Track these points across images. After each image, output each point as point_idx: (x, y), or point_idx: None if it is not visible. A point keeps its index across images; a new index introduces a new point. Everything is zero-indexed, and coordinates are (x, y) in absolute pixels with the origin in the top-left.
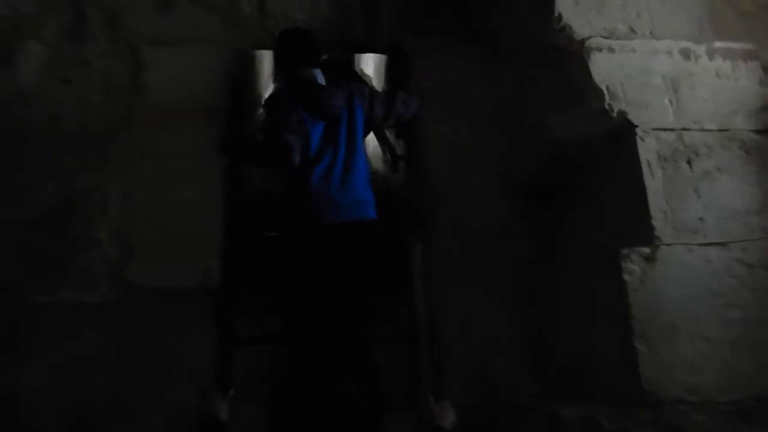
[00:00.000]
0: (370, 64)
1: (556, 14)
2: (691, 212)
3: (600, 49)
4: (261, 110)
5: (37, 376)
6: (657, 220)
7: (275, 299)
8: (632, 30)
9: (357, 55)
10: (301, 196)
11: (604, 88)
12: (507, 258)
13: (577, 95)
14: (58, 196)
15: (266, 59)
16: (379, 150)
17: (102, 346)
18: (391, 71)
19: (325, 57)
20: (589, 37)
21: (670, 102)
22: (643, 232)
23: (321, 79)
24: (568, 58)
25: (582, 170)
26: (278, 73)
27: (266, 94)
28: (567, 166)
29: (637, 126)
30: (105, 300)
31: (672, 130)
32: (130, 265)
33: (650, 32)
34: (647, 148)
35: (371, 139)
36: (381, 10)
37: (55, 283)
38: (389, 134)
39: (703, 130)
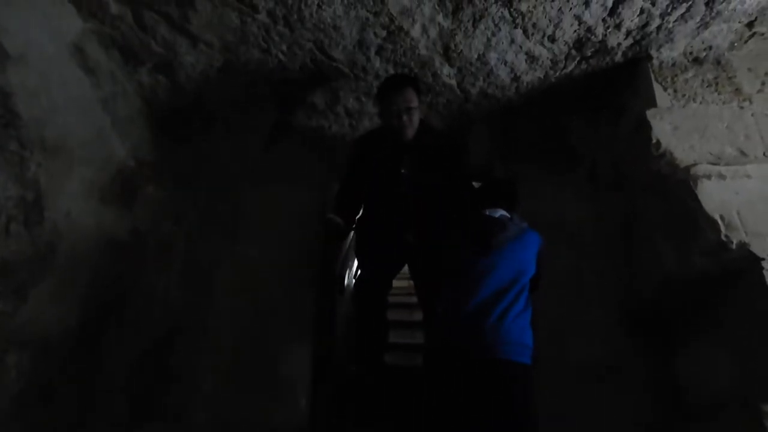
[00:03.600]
0: None
1: (654, 140)
2: None
3: (708, 176)
4: None
5: None
6: None
7: None
8: (742, 153)
9: None
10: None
11: (717, 217)
12: (619, 396)
13: (688, 225)
14: (165, 329)
15: None
16: None
17: None
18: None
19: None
20: (695, 164)
21: None
22: None
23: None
24: (674, 186)
25: (702, 306)
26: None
27: None
28: (684, 301)
29: (763, 259)
30: None
31: None
32: (224, 400)
33: (764, 154)
34: None
35: None
36: (471, 142)
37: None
38: None
39: None
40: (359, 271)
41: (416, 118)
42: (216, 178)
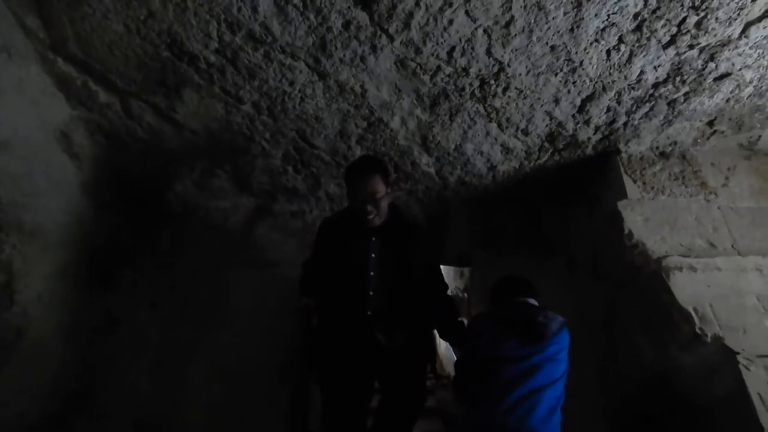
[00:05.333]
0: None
1: (627, 231)
2: None
3: (680, 268)
4: None
5: None
6: None
7: None
8: (712, 245)
9: None
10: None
11: (691, 310)
12: None
13: (663, 317)
14: (132, 424)
15: None
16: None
17: None
18: None
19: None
20: (666, 255)
21: None
22: None
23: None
24: (648, 277)
25: (683, 402)
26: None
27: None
28: (666, 397)
29: (738, 353)
30: None
31: None
32: None
33: (732, 246)
34: (755, 379)
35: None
36: (450, 227)
37: None
38: None
39: None
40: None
41: (384, 205)
42: (196, 261)
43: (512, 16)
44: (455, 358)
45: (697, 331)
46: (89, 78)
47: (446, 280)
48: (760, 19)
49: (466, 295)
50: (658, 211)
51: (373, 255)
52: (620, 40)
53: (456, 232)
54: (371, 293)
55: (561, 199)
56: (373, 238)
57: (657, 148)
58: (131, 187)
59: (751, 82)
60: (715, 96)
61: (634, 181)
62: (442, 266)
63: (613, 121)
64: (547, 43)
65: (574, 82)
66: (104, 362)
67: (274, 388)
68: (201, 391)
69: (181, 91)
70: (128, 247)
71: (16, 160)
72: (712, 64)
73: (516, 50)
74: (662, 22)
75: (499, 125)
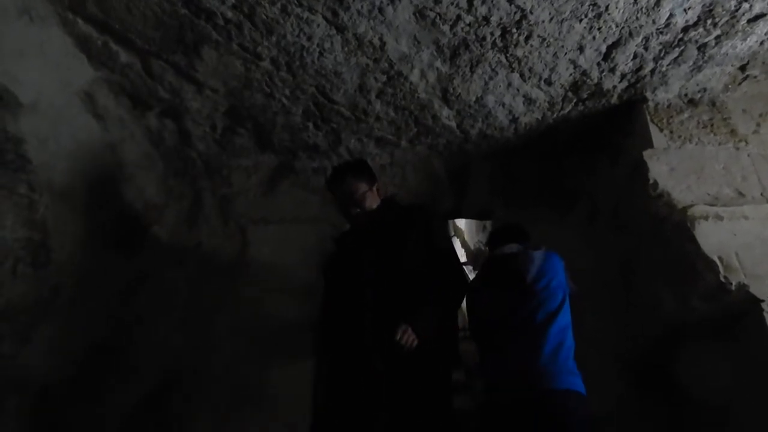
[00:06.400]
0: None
1: (652, 181)
2: None
3: (706, 217)
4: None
5: None
6: None
7: None
8: (740, 194)
9: None
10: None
11: (716, 259)
12: None
13: (686, 268)
14: (164, 375)
15: None
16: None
17: None
18: None
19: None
20: (692, 205)
21: None
22: None
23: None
24: (672, 227)
25: (704, 351)
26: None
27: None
28: (686, 347)
29: (762, 300)
30: None
31: None
32: None
33: (761, 194)
34: None
35: None
36: (470, 181)
37: None
38: None
39: None
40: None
41: (368, 202)
42: (219, 220)
43: None
44: None
45: (722, 279)
46: (109, 38)
47: (467, 235)
48: None
49: (487, 248)
50: (684, 160)
51: (370, 270)
52: None
53: (476, 186)
54: (370, 315)
55: (584, 152)
56: (368, 238)
57: (685, 95)
58: (154, 147)
59: None
60: (749, 39)
61: (661, 130)
62: (462, 222)
63: (640, 69)
64: None
65: (599, 28)
66: (135, 319)
67: (294, 342)
68: (227, 343)
69: (200, 49)
70: (155, 206)
71: (43, 121)
72: (746, 5)
73: None
74: None
75: (522, 75)
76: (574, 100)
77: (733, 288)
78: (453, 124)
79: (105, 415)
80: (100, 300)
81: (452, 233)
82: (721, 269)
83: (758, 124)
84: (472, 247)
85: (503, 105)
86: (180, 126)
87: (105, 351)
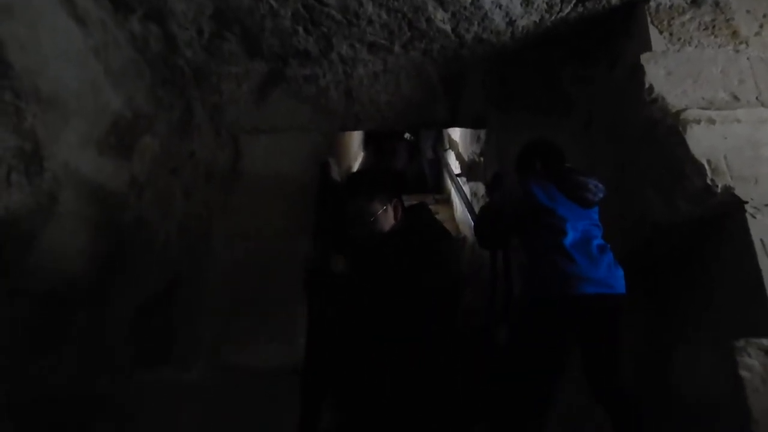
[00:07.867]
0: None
1: (647, 85)
2: None
3: (698, 121)
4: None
5: None
6: None
7: None
8: (735, 97)
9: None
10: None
11: (704, 162)
12: None
13: (676, 171)
14: (165, 281)
15: (351, 140)
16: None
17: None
18: None
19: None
20: (686, 109)
21: None
22: (761, 321)
23: None
24: (664, 131)
25: (689, 252)
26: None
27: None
28: (672, 247)
29: (746, 202)
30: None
31: None
32: (225, 345)
33: (756, 98)
34: (760, 226)
35: None
36: (465, 88)
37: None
38: None
39: None
40: None
41: (380, 224)
42: (211, 129)
43: None
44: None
45: (708, 182)
46: None
47: (462, 146)
48: None
49: (481, 159)
50: (682, 63)
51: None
52: None
53: (471, 93)
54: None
55: (582, 58)
56: (372, 280)
57: None
58: (140, 54)
59: None
60: None
61: (660, 32)
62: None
63: None
64: None
65: None
66: (134, 226)
67: (289, 247)
68: (225, 249)
69: None
70: (145, 115)
71: (22, 24)
72: None
73: None
74: None
75: None
76: (574, 1)
77: (719, 190)
78: (448, 27)
79: (108, 320)
80: (97, 207)
81: (447, 146)
82: (708, 172)
83: (761, 26)
84: (466, 159)
85: (500, 6)
86: (165, 31)
87: (106, 258)
